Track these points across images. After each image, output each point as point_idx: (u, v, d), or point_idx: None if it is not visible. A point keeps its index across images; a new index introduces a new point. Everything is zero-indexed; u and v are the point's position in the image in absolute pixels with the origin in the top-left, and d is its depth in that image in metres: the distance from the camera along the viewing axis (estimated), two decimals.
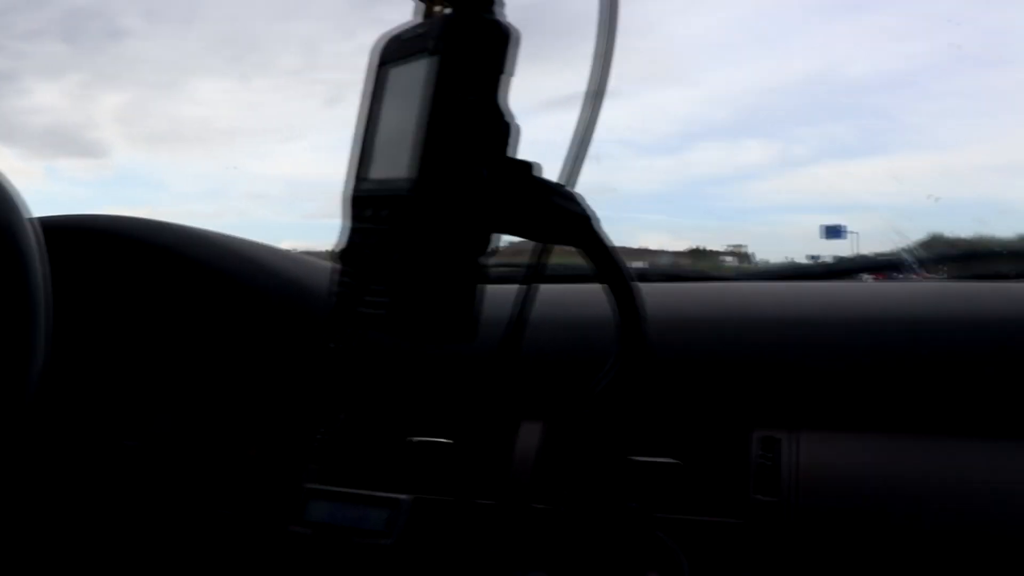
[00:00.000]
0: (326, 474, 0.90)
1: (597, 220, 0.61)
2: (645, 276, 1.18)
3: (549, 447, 0.84)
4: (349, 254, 0.57)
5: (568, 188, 0.60)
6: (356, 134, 0.59)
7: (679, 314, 0.93)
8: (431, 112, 0.51)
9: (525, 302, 0.65)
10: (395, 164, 0.54)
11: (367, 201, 0.57)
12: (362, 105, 0.59)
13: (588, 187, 0.61)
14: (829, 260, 1.55)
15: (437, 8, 0.58)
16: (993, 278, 1.13)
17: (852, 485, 0.75)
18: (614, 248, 0.61)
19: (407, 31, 0.57)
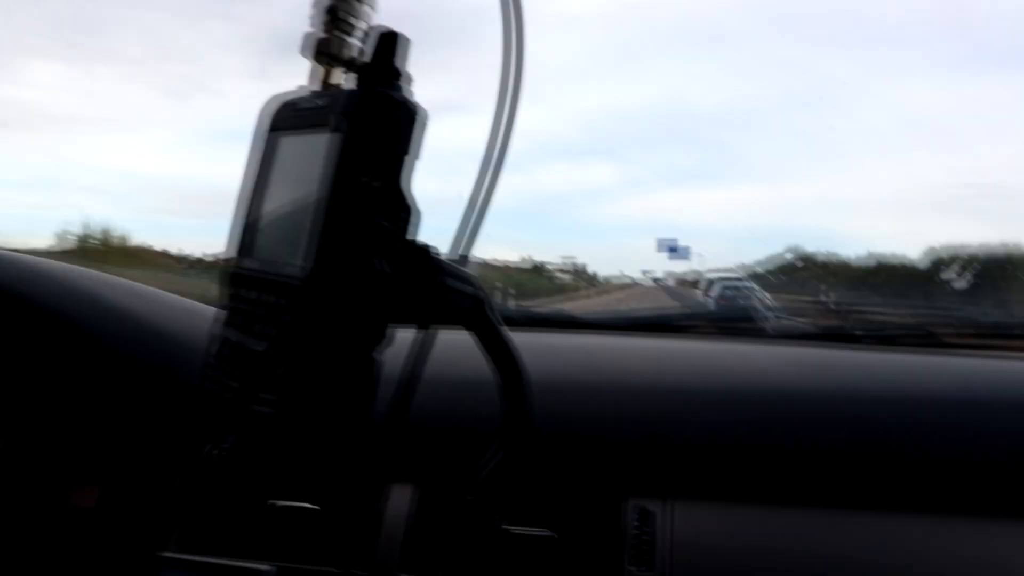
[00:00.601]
0: (183, 541, 0.84)
1: (490, 301, 0.59)
2: (510, 320, 1.16)
3: (422, 514, 0.82)
4: (231, 350, 0.53)
5: (462, 267, 0.58)
6: (240, 202, 0.55)
7: (549, 373, 0.92)
8: (331, 196, 0.48)
9: (411, 381, 0.63)
10: (287, 247, 0.50)
11: (252, 282, 0.53)
12: (248, 171, 0.56)
13: (435, 197, 0.59)
14: (690, 310, 1.58)
15: (337, 75, 0.55)
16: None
17: (727, 558, 0.76)
18: (505, 331, 0.60)
19: (304, 99, 0.54)
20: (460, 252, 0.62)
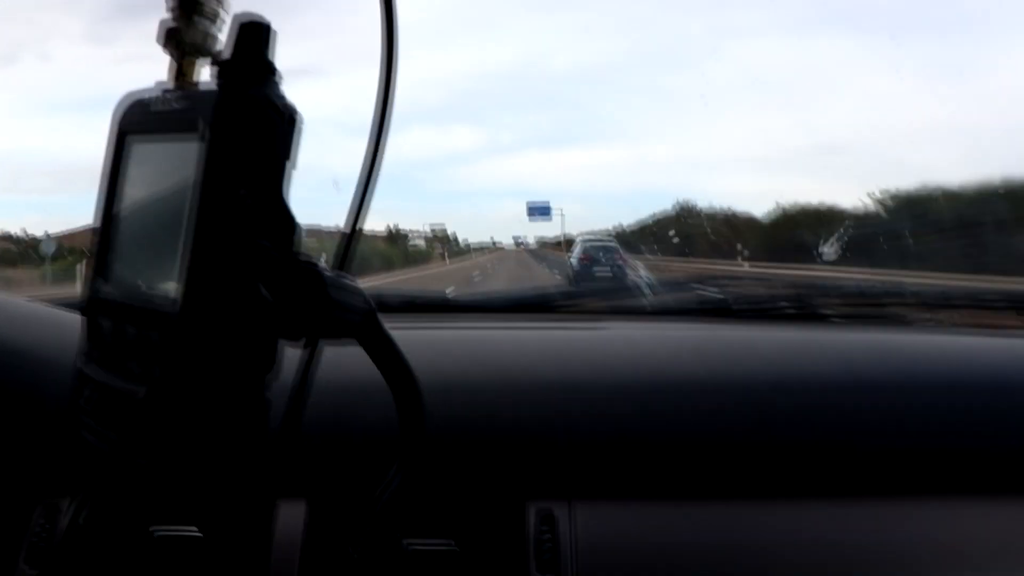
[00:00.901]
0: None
1: (376, 313, 0.54)
2: (385, 305, 1.11)
3: (316, 532, 0.76)
4: (103, 395, 0.46)
5: (348, 277, 0.52)
6: (96, 216, 0.48)
7: (435, 372, 0.87)
8: (202, 212, 0.42)
9: (300, 398, 0.57)
10: (154, 271, 0.44)
11: (113, 311, 0.46)
12: (101, 180, 0.48)
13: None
14: (568, 288, 1.57)
15: (195, 69, 0.49)
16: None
17: (632, 558, 0.74)
18: (395, 344, 0.55)
19: (159, 100, 0.47)
20: (341, 258, 0.56)
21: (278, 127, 0.44)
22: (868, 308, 1.44)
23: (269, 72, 0.45)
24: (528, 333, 1.15)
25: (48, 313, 0.96)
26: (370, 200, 0.56)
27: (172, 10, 0.48)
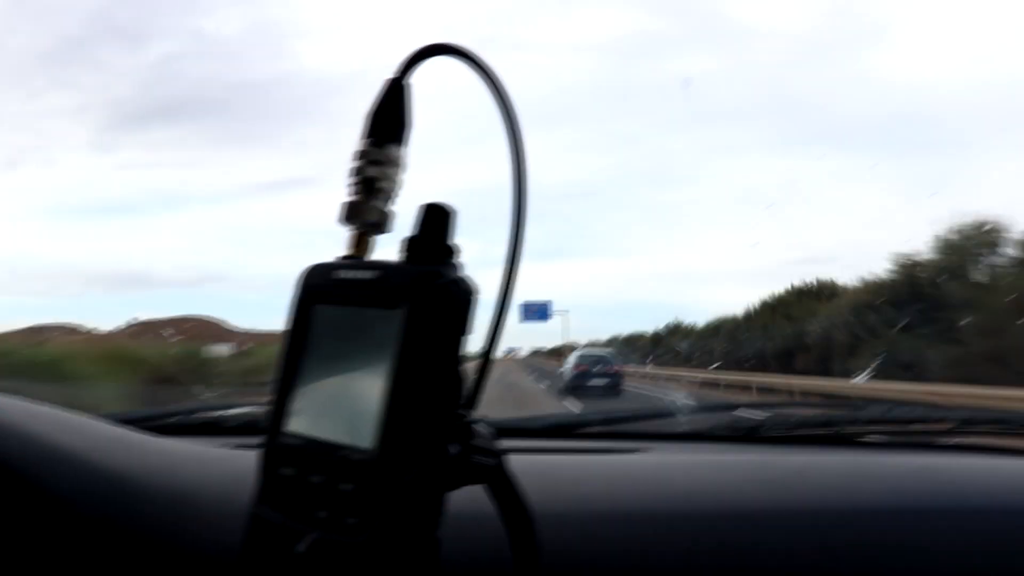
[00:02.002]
0: None
1: (505, 458, 0.58)
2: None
3: None
4: (314, 545, 0.49)
5: (482, 425, 0.56)
6: (280, 374, 0.54)
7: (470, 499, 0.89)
8: (401, 379, 0.47)
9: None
10: (349, 426, 0.49)
11: (296, 457, 0.51)
12: (286, 341, 0.54)
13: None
14: (607, 413, 1.60)
15: (366, 244, 0.55)
16: None
17: None
18: (520, 487, 0.59)
19: (346, 268, 0.52)
20: (471, 398, 0.60)
21: (465, 303, 0.50)
22: (896, 432, 1.49)
23: (452, 253, 0.52)
24: (568, 458, 1.18)
25: (133, 436, 0.99)
26: (499, 335, 0.59)
27: (354, 191, 0.55)
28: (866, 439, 1.47)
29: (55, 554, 0.78)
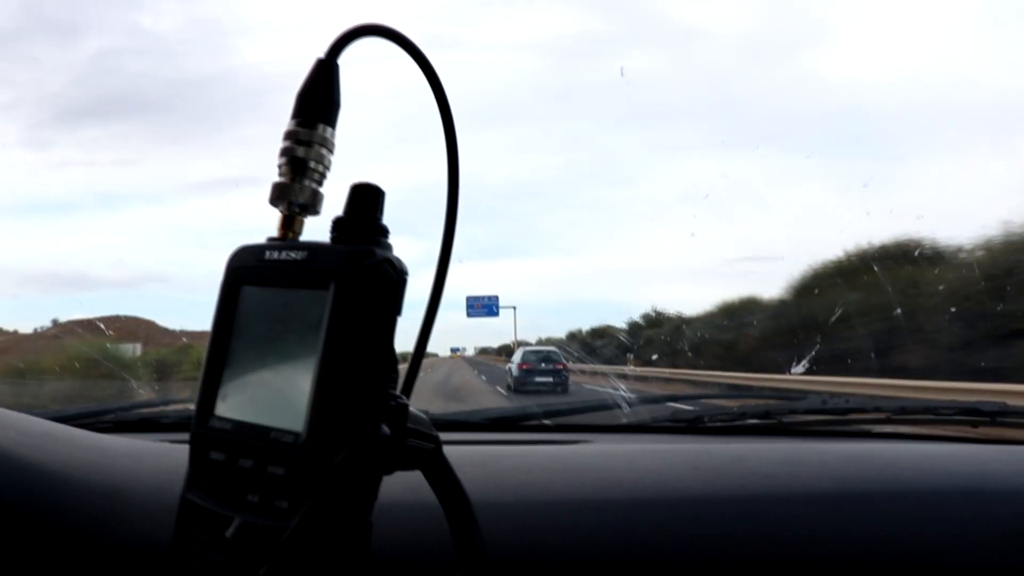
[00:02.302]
0: None
1: (441, 444, 0.58)
2: None
3: None
4: (240, 530, 0.49)
5: (415, 410, 0.55)
6: (208, 358, 0.52)
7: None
8: (331, 358, 0.47)
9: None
10: (277, 410, 0.48)
11: (225, 442, 0.50)
12: (215, 324, 0.53)
13: None
14: (549, 406, 1.61)
15: (298, 225, 0.54)
16: None
17: None
18: (455, 472, 0.59)
19: (274, 249, 0.51)
20: (407, 386, 0.60)
21: (398, 285, 0.49)
22: (834, 422, 1.52)
23: (383, 233, 0.51)
24: (511, 449, 1.19)
25: (66, 432, 0.97)
26: (432, 325, 0.60)
27: (283, 172, 0.54)
28: (804, 428, 1.50)
29: None
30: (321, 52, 0.56)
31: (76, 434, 0.97)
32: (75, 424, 1.12)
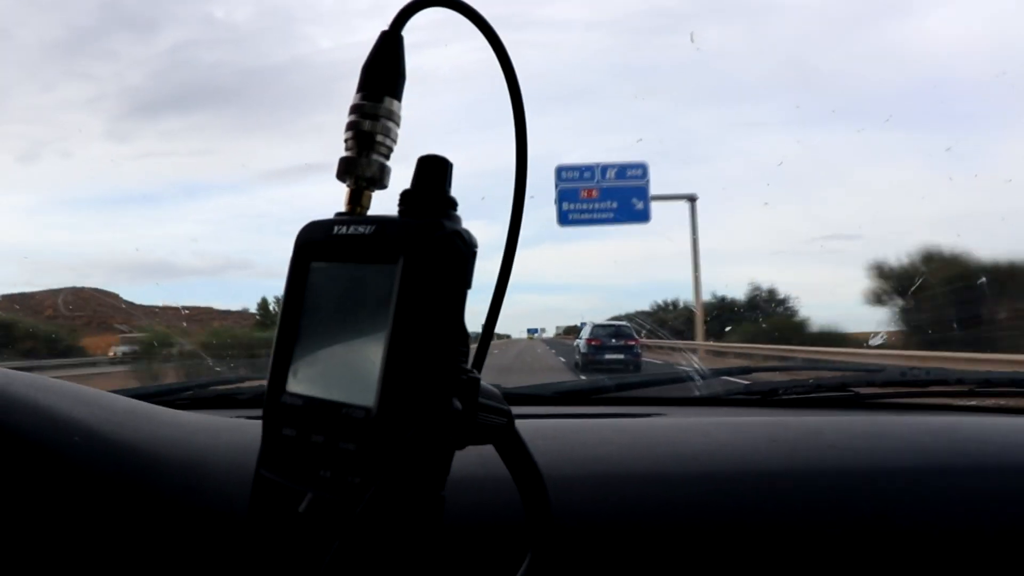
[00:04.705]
0: None
1: (513, 417, 0.58)
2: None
3: None
4: (311, 505, 0.49)
5: (487, 384, 0.55)
6: (278, 335, 0.53)
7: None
8: (400, 334, 0.46)
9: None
10: (349, 384, 0.48)
11: (297, 418, 0.51)
12: (285, 300, 0.53)
13: None
14: (619, 379, 1.59)
15: (366, 200, 0.54)
16: None
17: None
18: (527, 446, 0.58)
19: (342, 224, 0.51)
20: (478, 361, 0.60)
21: (468, 258, 0.49)
22: (913, 394, 1.48)
23: (451, 206, 0.50)
24: (583, 423, 1.18)
25: (147, 409, 0.99)
26: (502, 298, 0.59)
27: (349, 146, 0.54)
28: (882, 401, 1.46)
29: (71, 522, 0.78)
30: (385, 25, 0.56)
31: (156, 411, 1.00)
32: (155, 401, 1.15)
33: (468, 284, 0.49)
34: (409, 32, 0.56)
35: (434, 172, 0.51)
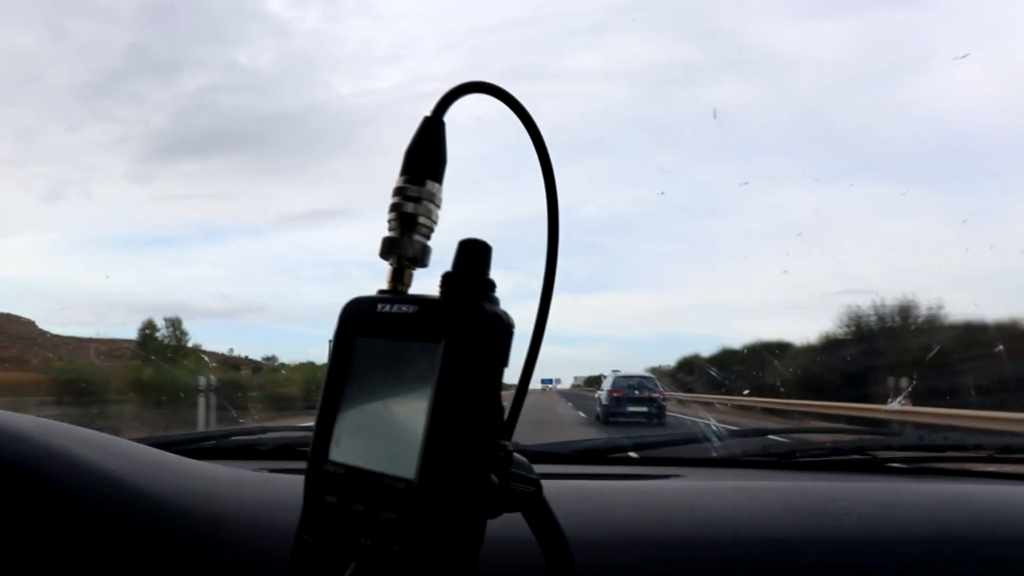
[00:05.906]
0: None
1: (542, 486, 0.59)
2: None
3: None
4: (323, 560, 0.52)
5: (517, 454, 0.57)
6: (322, 404, 0.55)
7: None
8: (441, 409, 0.49)
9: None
10: (390, 456, 0.51)
11: (338, 486, 0.53)
12: (329, 372, 0.56)
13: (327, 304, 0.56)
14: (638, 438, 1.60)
15: (407, 278, 0.56)
16: None
17: None
18: (554, 517, 0.60)
19: (386, 302, 0.54)
20: (509, 428, 0.62)
21: (506, 338, 0.51)
22: (931, 459, 1.48)
23: (490, 287, 0.53)
24: (603, 484, 1.19)
25: (175, 461, 1.01)
26: (533, 366, 0.61)
27: (392, 226, 0.57)
28: (900, 466, 1.46)
29: (101, 574, 0.80)
30: (427, 106, 0.59)
31: (183, 463, 1.02)
32: (178, 451, 1.17)
33: (505, 363, 0.51)
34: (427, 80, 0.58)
35: (474, 255, 0.54)
